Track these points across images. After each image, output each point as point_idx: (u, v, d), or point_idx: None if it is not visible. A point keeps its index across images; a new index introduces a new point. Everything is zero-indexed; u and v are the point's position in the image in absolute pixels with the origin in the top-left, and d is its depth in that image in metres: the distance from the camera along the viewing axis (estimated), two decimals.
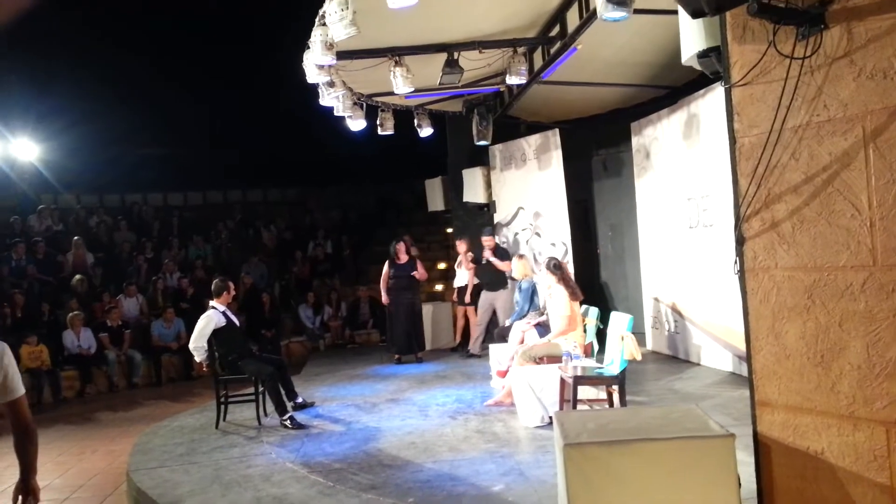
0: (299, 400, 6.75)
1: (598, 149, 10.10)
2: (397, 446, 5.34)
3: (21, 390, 2.59)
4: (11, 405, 2.57)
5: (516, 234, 10.00)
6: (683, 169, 7.65)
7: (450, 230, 12.69)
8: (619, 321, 5.35)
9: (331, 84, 7.24)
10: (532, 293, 7.66)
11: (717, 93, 6.53)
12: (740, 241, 2.92)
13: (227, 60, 15.14)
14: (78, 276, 11.12)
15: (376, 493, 4.32)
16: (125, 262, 12.33)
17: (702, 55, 4.22)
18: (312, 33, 5.86)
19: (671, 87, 8.43)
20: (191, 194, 15.95)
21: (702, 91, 7.17)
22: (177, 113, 15.00)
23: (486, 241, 9.15)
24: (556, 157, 9.30)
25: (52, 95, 13.49)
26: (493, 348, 7.17)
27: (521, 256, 8.13)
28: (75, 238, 11.93)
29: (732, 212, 2.99)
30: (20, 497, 2.62)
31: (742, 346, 2.99)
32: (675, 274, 7.96)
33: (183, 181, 15.65)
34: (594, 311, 6.27)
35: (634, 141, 8.80)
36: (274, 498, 4.38)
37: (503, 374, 6.62)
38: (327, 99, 7.53)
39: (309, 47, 6.14)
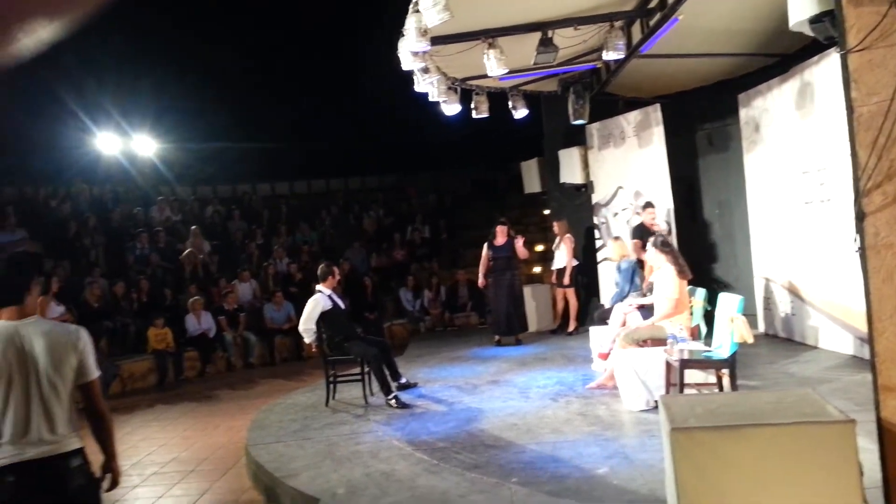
0: (403, 380, 6.95)
1: (702, 123, 9.69)
2: (499, 427, 5.40)
3: (94, 374, 2.72)
4: (84, 388, 2.71)
5: (616, 214, 9.79)
6: (797, 141, 7.23)
7: (547, 212, 12.59)
8: (729, 302, 5.15)
9: (425, 70, 7.32)
10: (633, 273, 7.51)
11: (832, 59, 6.12)
12: (860, 217, 2.75)
13: (327, 54, 15.61)
14: (188, 251, 11.82)
15: (480, 472, 4.40)
16: (238, 249, 13.03)
17: (814, 20, 3.98)
18: (406, 21, 5.95)
19: (782, 54, 7.95)
20: (297, 183, 16.62)
21: (815, 58, 6.73)
22: (282, 107, 15.65)
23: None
24: (658, 133, 9.00)
25: (165, 95, 14.37)
26: (594, 330, 7.09)
27: (616, 238, 7.97)
28: (193, 227, 12.72)
29: (851, 186, 2.82)
30: (105, 477, 2.81)
31: (864, 328, 2.82)
32: (790, 252, 7.56)
33: (289, 171, 16.34)
34: (701, 293, 6.07)
35: (742, 113, 8.38)
36: (382, 473, 4.54)
37: (605, 356, 6.54)
38: (422, 85, 7.62)
39: (403, 35, 6.24)
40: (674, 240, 8.63)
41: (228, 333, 10.61)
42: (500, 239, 9.22)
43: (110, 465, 2.83)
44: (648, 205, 8.56)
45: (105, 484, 2.82)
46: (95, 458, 2.80)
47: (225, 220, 14.05)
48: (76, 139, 13.78)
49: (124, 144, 14.54)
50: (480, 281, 9.46)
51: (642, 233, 8.06)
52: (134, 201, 14.08)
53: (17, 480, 2.53)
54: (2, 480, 2.51)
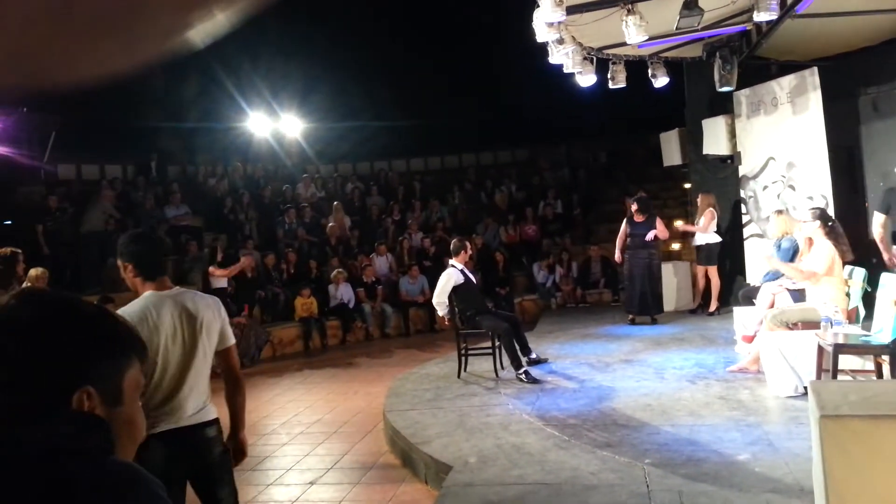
0: (533, 356, 6.97)
1: (865, 87, 8.78)
2: (632, 407, 5.29)
3: (232, 340, 2.78)
4: (224, 353, 2.77)
5: (765, 187, 9.15)
6: None
7: (687, 186, 12.00)
8: (892, 283, 4.70)
9: (560, 41, 7.17)
10: (794, 252, 7.01)
11: None
12: None
13: (461, 29, 15.68)
14: (331, 225, 12.47)
15: (612, 451, 4.34)
16: (375, 224, 13.54)
17: None
18: None
19: None
20: (430, 159, 16.95)
21: None
22: (415, 84, 15.95)
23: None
24: (815, 99, 8.28)
25: (310, 77, 15.09)
26: (738, 311, 6.72)
27: (779, 212, 7.44)
28: (335, 203, 13.35)
29: None
30: (231, 451, 2.77)
31: None
32: None
33: (423, 148, 16.68)
34: (860, 272, 5.57)
35: None
36: (513, 446, 4.60)
37: (749, 339, 6.19)
38: (557, 56, 7.47)
39: (538, 5, 6.14)
40: (831, 213, 7.97)
41: (367, 304, 11.10)
42: (639, 216, 8.93)
43: (238, 436, 2.84)
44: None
45: (232, 456, 2.80)
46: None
47: (364, 195, 14.62)
48: (232, 120, 14.84)
49: (273, 124, 15.47)
50: (617, 256, 9.25)
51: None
52: (283, 179, 14.98)
53: (166, 448, 2.52)
54: (153, 447, 2.42)
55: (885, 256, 6.67)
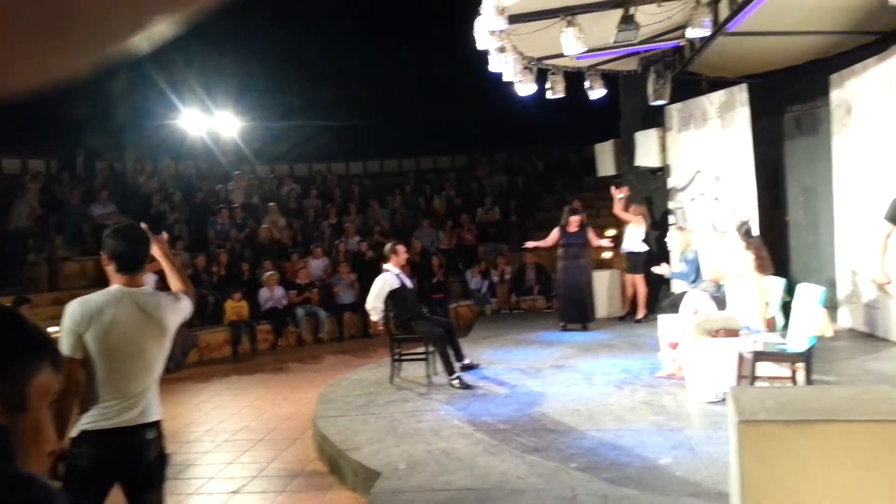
0: (466, 361, 6.97)
1: (790, 105, 9.22)
2: (561, 412, 5.35)
3: (188, 310, 2.90)
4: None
5: (693, 199, 9.46)
6: (892, 125, 6.77)
7: (620, 196, 12.28)
8: (809, 294, 4.91)
9: (501, 49, 7.23)
10: (697, 263, 7.29)
11: None
12: None
13: (402, 34, 15.65)
14: (264, 227, 12.23)
15: (539, 456, 4.37)
16: (311, 226, 13.33)
17: None
18: None
19: (880, 32, 7.44)
20: (370, 163, 16.83)
21: None
22: (356, 87, 15.83)
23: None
24: (743, 115, 8.61)
25: (246, 74, 14.78)
26: (663, 319, 6.90)
27: (680, 228, 7.75)
28: (270, 204, 13.08)
29: None
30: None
31: None
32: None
33: (363, 151, 16.56)
34: (780, 283, 5.80)
35: (833, 95, 7.92)
36: (443, 451, 4.58)
37: (674, 345, 6.36)
38: (497, 64, 7.53)
39: (480, 13, 6.17)
40: (755, 226, 8.29)
41: (300, 308, 10.90)
42: (574, 226, 9.08)
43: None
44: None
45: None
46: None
47: (300, 198, 14.38)
48: (164, 117, 14.37)
49: (208, 122, 15.05)
50: (532, 243, 9.41)
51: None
52: (216, 178, 14.59)
53: (102, 446, 2.51)
54: (89, 444, 2.48)
55: (877, 271, 5.63)
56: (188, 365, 9.47)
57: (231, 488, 4.73)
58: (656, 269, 7.53)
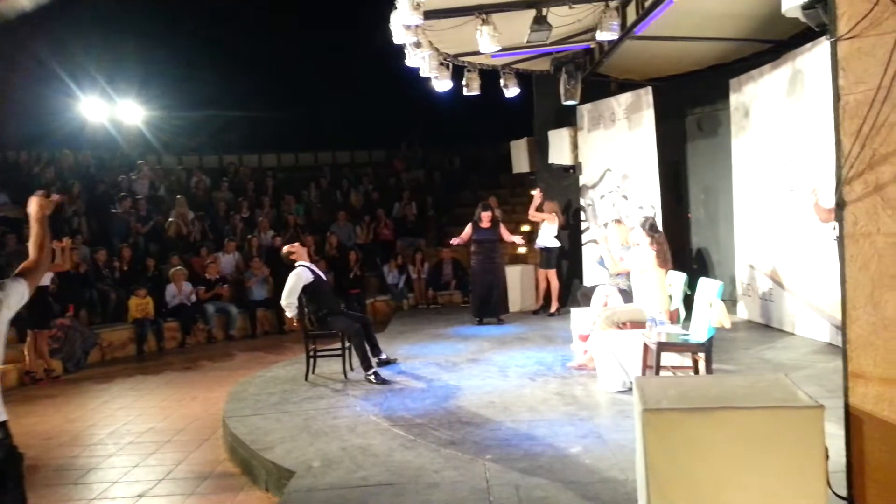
0: (383, 356, 6.94)
1: (692, 107, 9.67)
2: (476, 405, 5.42)
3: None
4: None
5: (602, 196, 9.78)
6: (786, 128, 7.23)
7: (534, 192, 12.55)
8: (709, 287, 5.17)
9: (417, 44, 7.23)
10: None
11: (824, 47, 6.09)
12: (840, 205, 2.75)
13: (318, 25, 15.39)
14: (171, 220, 11.76)
15: (455, 449, 4.42)
16: (222, 220, 12.92)
17: (807, 6, 3.96)
18: None
19: (775, 40, 7.92)
20: (284, 156, 16.47)
21: (808, 45, 6.71)
22: (271, 78, 15.45)
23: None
24: (648, 116, 8.97)
25: (152, 61, 14.14)
26: (575, 312, 7.11)
27: (617, 221, 7.93)
28: (178, 196, 12.58)
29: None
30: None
31: (839, 316, 2.84)
32: (772, 239, 7.59)
33: (277, 143, 16.18)
34: (682, 277, 6.08)
35: (733, 99, 8.37)
36: (359, 448, 4.55)
37: (585, 337, 6.56)
38: (414, 59, 7.53)
39: (396, 7, 6.14)
40: (659, 223, 8.66)
41: (209, 305, 10.55)
42: (486, 222, 9.21)
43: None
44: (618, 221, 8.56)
45: None
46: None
47: (210, 190, 13.91)
48: (61, 104, 13.55)
49: (110, 111, 14.31)
50: (454, 240, 9.52)
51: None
52: (119, 169, 13.89)
53: None
54: None
55: None
56: (89, 365, 9.01)
57: (136, 492, 4.54)
58: (593, 248, 7.46)
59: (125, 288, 10.18)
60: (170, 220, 11.90)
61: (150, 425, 6.13)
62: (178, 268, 10.50)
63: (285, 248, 6.95)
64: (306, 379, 6.60)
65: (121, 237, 11.39)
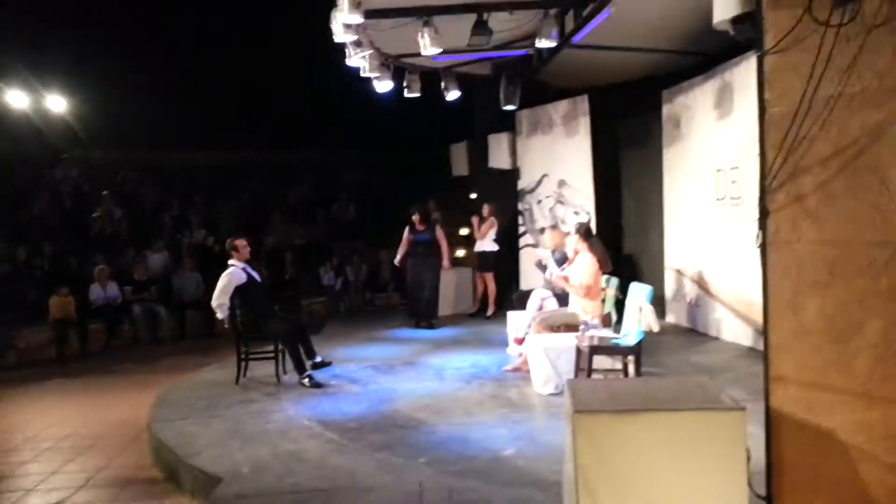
0: (318, 359, 6.81)
1: (626, 117, 9.91)
2: (412, 408, 5.39)
3: None
4: None
5: (539, 201, 9.93)
6: (714, 139, 7.49)
7: (473, 196, 12.62)
8: (638, 292, 5.31)
9: (358, 44, 7.17)
10: (563, 262, 7.63)
11: (752, 61, 6.33)
12: (764, 214, 2.86)
13: (256, 20, 15.06)
14: (96, 216, 11.30)
15: (389, 453, 4.38)
16: (150, 218, 12.49)
17: (736, 20, 4.10)
18: None
19: (707, 53, 8.18)
20: (215, 153, 16.02)
21: (737, 59, 6.97)
22: (204, 71, 15.01)
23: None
24: (584, 124, 9.15)
25: (80, 52, 13.54)
26: (511, 315, 7.17)
27: (553, 227, 8.06)
28: (104, 192, 12.09)
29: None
30: None
31: (761, 321, 2.95)
32: (699, 247, 7.85)
33: (207, 140, 15.71)
34: (615, 282, 6.22)
35: (665, 109, 8.62)
36: (290, 453, 4.46)
37: (520, 341, 6.63)
38: (354, 59, 7.46)
39: (336, 5, 6.07)
40: (594, 228, 8.84)
41: (136, 305, 10.17)
42: (420, 226, 9.19)
43: None
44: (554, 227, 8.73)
45: None
46: None
47: (138, 187, 13.43)
48: None
49: (34, 101, 13.62)
50: (397, 259, 9.45)
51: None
52: (40, 162, 13.25)
53: None
54: None
55: None
56: (4, 367, 8.54)
57: (53, 500, 4.32)
58: (537, 253, 7.52)
59: (46, 287, 9.71)
60: (94, 215, 11.41)
61: (69, 430, 5.85)
62: (103, 267, 10.08)
63: (236, 241, 6.70)
64: (237, 382, 6.44)
65: (42, 233, 10.87)
